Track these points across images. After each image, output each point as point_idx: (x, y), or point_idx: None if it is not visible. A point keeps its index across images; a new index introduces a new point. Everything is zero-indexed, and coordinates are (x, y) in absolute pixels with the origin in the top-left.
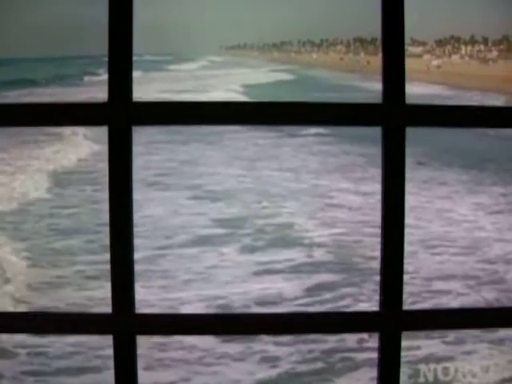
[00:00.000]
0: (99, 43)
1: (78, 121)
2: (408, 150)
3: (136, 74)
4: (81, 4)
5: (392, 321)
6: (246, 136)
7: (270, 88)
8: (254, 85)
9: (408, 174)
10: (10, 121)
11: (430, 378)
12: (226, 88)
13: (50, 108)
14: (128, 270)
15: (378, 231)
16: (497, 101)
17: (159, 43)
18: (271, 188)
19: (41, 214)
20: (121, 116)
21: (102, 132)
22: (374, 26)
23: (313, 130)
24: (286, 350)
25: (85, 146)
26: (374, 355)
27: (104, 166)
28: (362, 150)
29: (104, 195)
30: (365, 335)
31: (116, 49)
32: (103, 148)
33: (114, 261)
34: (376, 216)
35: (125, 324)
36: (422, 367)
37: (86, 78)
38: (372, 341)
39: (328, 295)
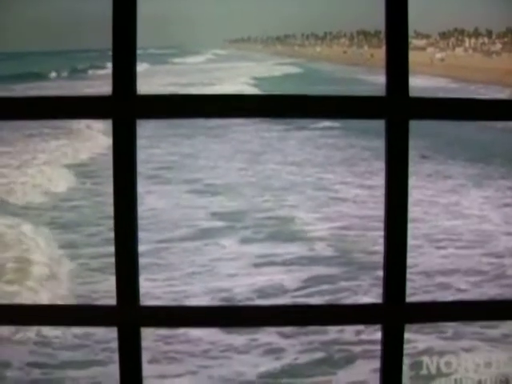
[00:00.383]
0: (104, 37)
1: (82, 114)
2: (411, 143)
3: (141, 67)
4: None
5: (395, 313)
6: (251, 129)
7: (279, 81)
8: (263, 78)
9: (412, 168)
10: (14, 114)
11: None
12: (238, 81)
13: (55, 101)
14: (132, 262)
15: (381, 225)
16: (501, 93)
17: (163, 36)
18: (275, 182)
19: (47, 208)
20: (125, 109)
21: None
22: (377, 19)
23: (321, 123)
24: (288, 342)
25: (98, 140)
26: (373, 347)
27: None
28: (368, 143)
29: (106, 188)
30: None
31: (120, 42)
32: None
33: (118, 253)
34: (380, 210)
35: (129, 316)
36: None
37: (91, 72)
38: (367, 332)
39: (327, 288)
